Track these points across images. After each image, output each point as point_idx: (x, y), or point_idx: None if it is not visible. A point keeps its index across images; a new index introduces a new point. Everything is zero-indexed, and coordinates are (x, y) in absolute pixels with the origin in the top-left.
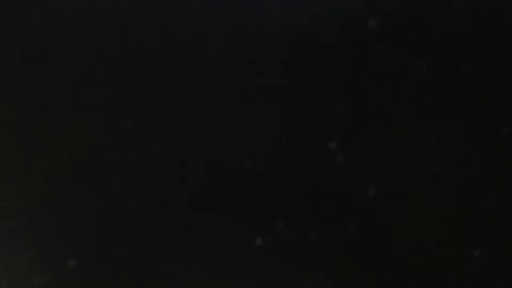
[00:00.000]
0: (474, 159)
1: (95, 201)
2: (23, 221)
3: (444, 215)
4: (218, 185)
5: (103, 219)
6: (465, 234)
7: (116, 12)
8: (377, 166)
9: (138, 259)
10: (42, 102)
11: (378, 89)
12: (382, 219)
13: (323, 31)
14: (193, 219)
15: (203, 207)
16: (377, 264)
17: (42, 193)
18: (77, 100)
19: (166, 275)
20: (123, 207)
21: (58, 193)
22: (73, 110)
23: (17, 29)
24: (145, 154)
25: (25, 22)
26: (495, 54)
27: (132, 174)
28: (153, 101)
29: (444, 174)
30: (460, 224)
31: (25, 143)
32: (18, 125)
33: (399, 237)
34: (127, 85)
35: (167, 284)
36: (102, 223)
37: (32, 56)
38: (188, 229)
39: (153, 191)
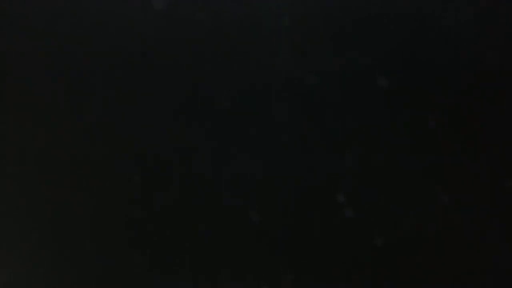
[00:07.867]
0: (478, 211)
1: (98, 249)
2: (21, 275)
3: (450, 265)
4: (225, 237)
5: (108, 266)
6: (469, 282)
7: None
8: (384, 217)
9: None
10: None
11: (386, 144)
12: (390, 269)
13: (333, 89)
14: (199, 269)
15: (209, 258)
16: None
17: (44, 246)
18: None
19: None
20: (129, 257)
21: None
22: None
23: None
24: (151, 204)
25: None
26: (499, 112)
27: (138, 226)
28: (160, 153)
29: (449, 225)
30: (465, 272)
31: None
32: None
33: (406, 287)
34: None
35: None
36: (107, 272)
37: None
38: (194, 279)
39: (159, 241)
